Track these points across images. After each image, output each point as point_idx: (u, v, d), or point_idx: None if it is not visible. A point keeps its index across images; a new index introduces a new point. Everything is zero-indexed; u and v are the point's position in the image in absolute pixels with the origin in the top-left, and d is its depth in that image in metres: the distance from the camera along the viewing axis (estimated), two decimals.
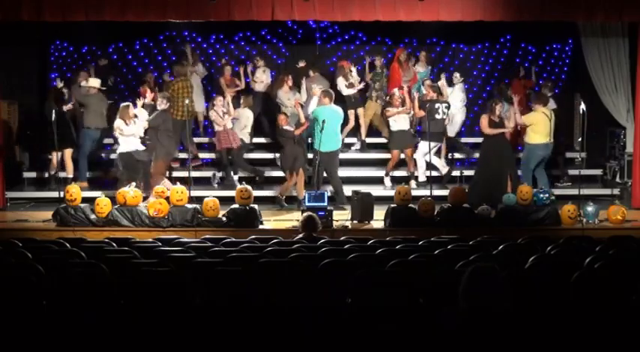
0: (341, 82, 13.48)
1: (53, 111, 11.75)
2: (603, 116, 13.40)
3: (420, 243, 8.29)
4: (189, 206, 10.90)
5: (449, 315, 4.50)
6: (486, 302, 4.44)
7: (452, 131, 13.62)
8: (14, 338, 4.71)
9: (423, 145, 12.63)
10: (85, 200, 11.08)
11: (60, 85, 12.93)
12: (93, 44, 14.99)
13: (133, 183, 11.22)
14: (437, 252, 7.41)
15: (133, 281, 5.46)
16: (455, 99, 13.51)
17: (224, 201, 11.18)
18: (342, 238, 8.84)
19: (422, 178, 12.85)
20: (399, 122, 12.72)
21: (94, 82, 12.93)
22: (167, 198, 10.91)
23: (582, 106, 11.50)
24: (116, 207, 10.84)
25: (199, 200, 11.21)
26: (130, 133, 11.70)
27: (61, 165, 12.70)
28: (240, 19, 11.78)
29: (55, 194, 11.68)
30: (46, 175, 12.86)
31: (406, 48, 14.59)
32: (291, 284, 5.66)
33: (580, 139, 12.67)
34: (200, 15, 11.65)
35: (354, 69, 13.73)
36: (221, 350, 4.86)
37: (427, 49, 14.84)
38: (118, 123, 11.73)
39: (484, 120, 11.93)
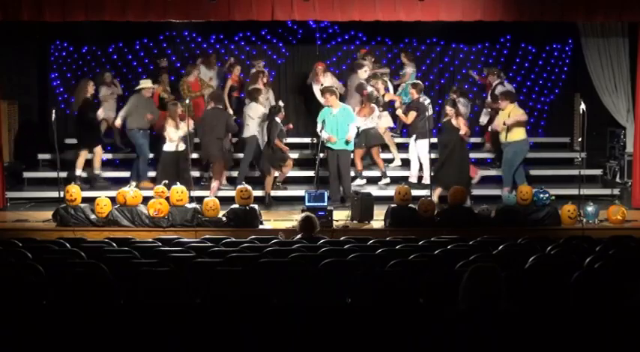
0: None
1: (53, 111, 11.74)
2: (603, 116, 13.40)
3: (420, 243, 8.28)
4: (189, 206, 10.90)
5: (449, 315, 4.50)
6: (486, 302, 4.44)
7: None
8: (14, 338, 4.71)
9: (421, 145, 12.62)
10: (85, 200, 11.08)
11: (91, 90, 12.74)
12: (93, 44, 15.00)
13: (133, 183, 11.24)
14: (437, 252, 7.41)
15: (133, 281, 5.46)
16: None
17: (224, 201, 11.19)
18: (342, 238, 8.84)
19: (414, 179, 12.86)
20: (368, 121, 12.63)
21: (146, 83, 12.84)
22: (167, 198, 10.91)
23: (582, 106, 11.49)
24: (116, 207, 10.84)
25: (199, 200, 11.21)
26: (177, 137, 11.84)
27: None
28: (240, 19, 11.80)
29: (55, 194, 11.68)
30: (77, 173, 12.67)
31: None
32: (291, 284, 5.66)
33: (580, 139, 12.66)
34: (200, 15, 11.66)
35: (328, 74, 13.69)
36: (221, 350, 4.87)
37: (404, 48, 14.78)
38: (168, 123, 11.91)
39: (462, 120, 12.03)
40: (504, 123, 12.02)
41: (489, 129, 13.26)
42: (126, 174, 12.87)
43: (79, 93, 12.70)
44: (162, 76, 13.85)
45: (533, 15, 11.72)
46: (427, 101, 12.56)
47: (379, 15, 11.54)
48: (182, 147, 11.93)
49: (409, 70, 14.23)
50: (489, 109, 13.57)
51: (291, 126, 13.29)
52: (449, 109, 12.05)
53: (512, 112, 12.04)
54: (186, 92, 13.07)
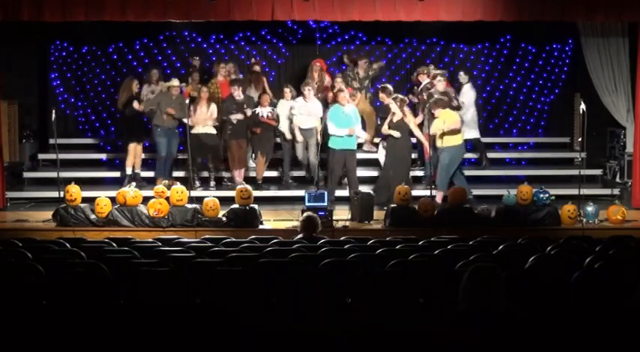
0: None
1: (53, 111, 11.75)
2: (603, 116, 13.41)
3: (420, 243, 8.28)
4: (189, 206, 10.91)
5: (449, 315, 4.50)
6: (486, 302, 4.44)
7: (472, 132, 13.28)
8: (14, 338, 4.71)
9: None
10: (85, 200, 11.08)
11: (135, 88, 12.70)
12: (93, 44, 15.01)
13: (130, 183, 11.25)
14: (437, 252, 7.41)
15: (133, 281, 5.46)
16: (465, 99, 13.20)
17: (224, 201, 11.19)
18: (342, 238, 8.84)
19: None
20: None
21: (174, 82, 12.82)
22: (167, 198, 10.91)
23: (582, 106, 11.49)
24: (116, 207, 10.85)
25: (199, 200, 11.22)
26: (201, 120, 12.18)
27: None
28: (240, 19, 11.81)
29: (55, 194, 11.69)
30: (129, 173, 12.67)
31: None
32: (291, 284, 5.66)
33: (580, 139, 12.65)
34: (200, 15, 11.66)
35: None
36: (221, 350, 4.86)
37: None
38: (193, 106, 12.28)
39: (385, 123, 11.92)
40: (442, 131, 11.77)
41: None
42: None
43: (122, 91, 12.71)
44: (192, 75, 13.80)
45: (533, 15, 11.72)
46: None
47: (379, 15, 11.54)
48: (206, 129, 12.32)
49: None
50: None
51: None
52: (394, 108, 11.85)
53: (447, 119, 11.82)
54: (215, 93, 13.09)
